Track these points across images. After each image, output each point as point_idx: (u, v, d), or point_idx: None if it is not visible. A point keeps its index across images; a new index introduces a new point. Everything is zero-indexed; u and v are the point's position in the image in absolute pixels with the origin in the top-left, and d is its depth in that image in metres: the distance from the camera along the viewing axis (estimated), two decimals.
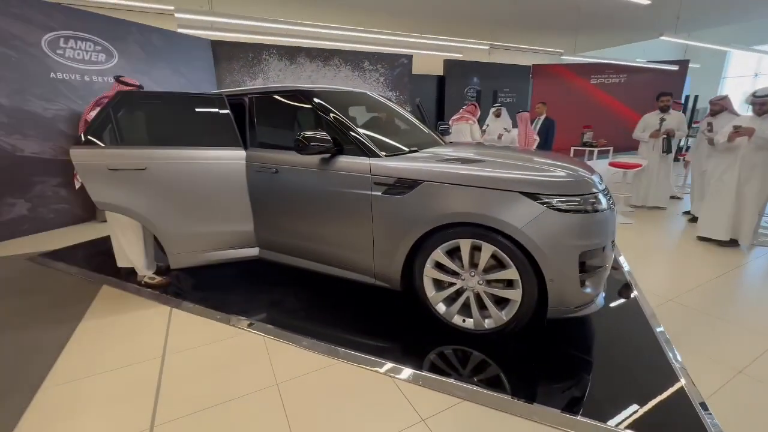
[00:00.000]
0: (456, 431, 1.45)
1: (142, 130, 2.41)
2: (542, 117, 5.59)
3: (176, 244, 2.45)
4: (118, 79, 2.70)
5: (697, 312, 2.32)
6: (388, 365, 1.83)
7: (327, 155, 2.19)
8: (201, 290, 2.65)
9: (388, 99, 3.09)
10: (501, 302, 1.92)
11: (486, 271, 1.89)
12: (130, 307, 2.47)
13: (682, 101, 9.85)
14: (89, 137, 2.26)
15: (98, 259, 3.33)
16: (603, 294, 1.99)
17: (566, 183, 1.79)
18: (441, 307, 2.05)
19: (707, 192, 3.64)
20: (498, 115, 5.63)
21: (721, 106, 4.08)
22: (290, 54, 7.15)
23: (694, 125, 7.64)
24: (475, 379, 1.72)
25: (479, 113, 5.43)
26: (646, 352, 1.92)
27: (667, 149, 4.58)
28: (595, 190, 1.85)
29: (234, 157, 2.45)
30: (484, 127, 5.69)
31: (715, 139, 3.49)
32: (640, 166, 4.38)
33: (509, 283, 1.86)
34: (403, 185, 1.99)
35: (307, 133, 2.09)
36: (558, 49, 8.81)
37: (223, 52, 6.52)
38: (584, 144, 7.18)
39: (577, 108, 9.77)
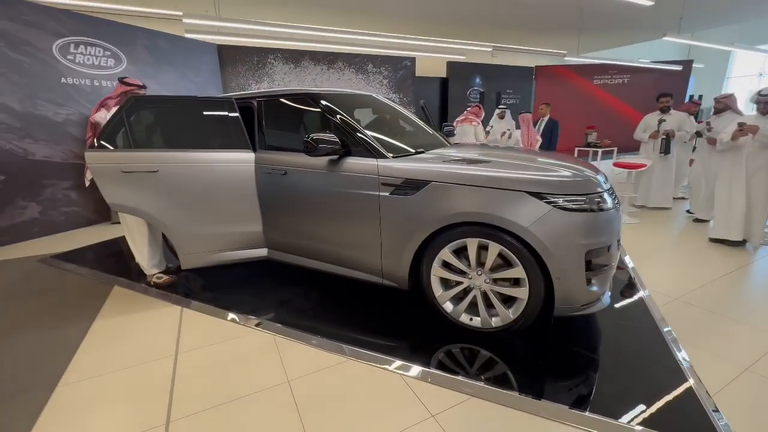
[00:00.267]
0: (465, 427, 1.48)
1: (153, 134, 2.46)
2: (546, 118, 5.61)
3: (187, 244, 2.49)
4: (121, 80, 2.77)
5: (703, 310, 2.33)
6: (398, 363, 1.86)
7: (335, 157, 2.22)
8: (211, 290, 2.69)
9: (392, 101, 3.13)
10: (508, 301, 1.95)
11: (493, 269, 1.91)
12: (142, 307, 2.51)
13: (687, 101, 9.83)
14: (102, 141, 2.31)
15: (109, 260, 3.39)
16: (609, 293, 2.01)
17: (572, 182, 1.81)
18: (448, 306, 2.07)
19: (716, 193, 3.62)
20: (502, 116, 5.66)
21: (724, 105, 4.07)
22: (295, 57, 7.22)
23: (698, 125, 7.60)
24: (483, 377, 1.75)
25: (483, 115, 5.45)
26: (652, 350, 1.93)
27: (665, 150, 4.59)
28: (600, 190, 1.87)
29: (243, 159, 2.50)
30: (487, 129, 5.72)
31: (718, 138, 3.49)
32: (644, 166, 4.39)
33: (516, 282, 1.89)
34: (411, 186, 2.02)
35: (316, 136, 2.13)
36: (561, 50, 8.83)
37: (229, 56, 6.60)
38: (588, 144, 7.18)
39: (580, 109, 9.78)
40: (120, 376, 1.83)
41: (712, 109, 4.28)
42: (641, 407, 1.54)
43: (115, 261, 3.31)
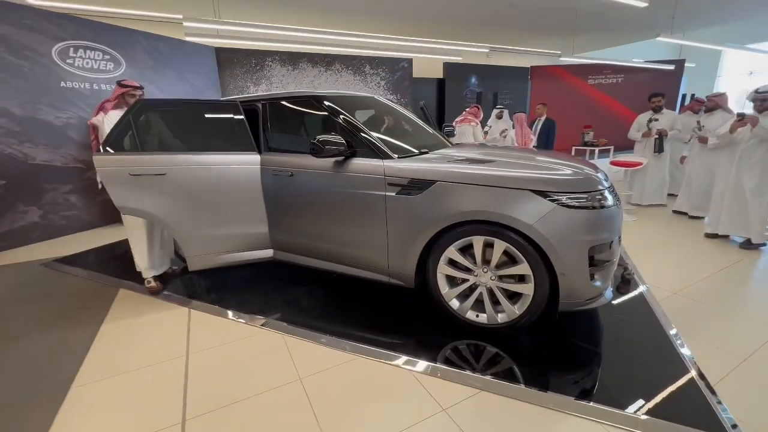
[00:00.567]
0: (476, 419, 1.52)
1: (160, 137, 2.48)
2: (543, 118, 5.69)
3: (194, 246, 2.51)
4: (119, 83, 2.79)
5: (701, 304, 2.39)
6: (407, 360, 1.90)
7: (341, 158, 2.26)
8: (218, 291, 2.71)
9: (393, 102, 3.17)
10: (513, 297, 1.99)
11: (498, 267, 1.95)
12: (149, 309, 2.53)
13: (680, 100, 9.98)
14: (107, 145, 2.33)
15: (113, 263, 3.39)
16: (611, 288, 2.06)
17: (574, 181, 1.86)
18: (455, 303, 2.11)
19: (713, 189, 3.67)
20: (500, 116, 5.73)
21: (715, 104, 4.13)
22: (293, 60, 7.24)
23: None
24: (491, 371, 1.79)
25: (482, 115, 5.52)
26: (653, 343, 1.99)
27: (658, 149, 4.67)
28: (601, 187, 1.92)
29: (249, 161, 2.53)
30: (486, 129, 5.78)
31: (716, 132, 3.54)
32: (641, 164, 4.47)
33: (521, 278, 1.93)
34: (417, 185, 2.06)
35: (322, 137, 2.16)
36: (556, 50, 8.93)
37: (227, 59, 6.61)
38: (585, 144, 7.27)
39: (575, 108, 9.88)
40: (133, 377, 1.85)
41: (703, 108, 4.36)
42: (645, 398, 1.59)
43: (119, 264, 3.32)
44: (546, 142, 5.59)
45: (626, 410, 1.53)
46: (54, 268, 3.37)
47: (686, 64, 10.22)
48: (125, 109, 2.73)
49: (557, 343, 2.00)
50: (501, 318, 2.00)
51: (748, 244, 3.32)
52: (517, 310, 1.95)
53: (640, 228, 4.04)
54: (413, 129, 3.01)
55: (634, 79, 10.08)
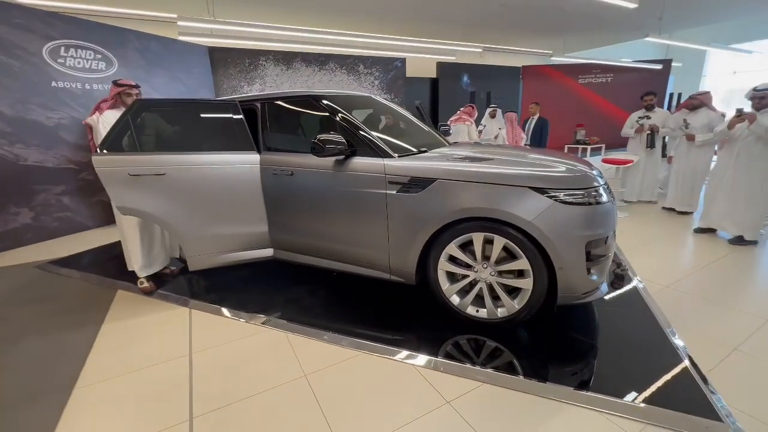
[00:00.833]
0: (480, 411, 1.56)
1: (159, 137, 2.47)
2: (536, 117, 5.77)
3: (194, 246, 2.51)
4: (115, 82, 2.76)
5: (692, 296, 2.47)
6: (410, 355, 1.93)
7: (342, 157, 2.28)
8: (218, 291, 2.72)
9: (390, 102, 3.19)
10: (512, 292, 2.04)
11: (498, 262, 2.00)
12: (150, 309, 2.52)
13: (667, 99, 10.19)
14: (105, 146, 2.31)
15: (108, 264, 3.36)
16: (606, 282, 2.12)
17: (571, 178, 1.92)
18: (455, 299, 2.15)
19: (708, 185, 3.71)
20: (493, 115, 5.80)
21: (700, 102, 4.23)
22: (286, 59, 7.22)
23: None
24: (493, 365, 1.83)
25: (476, 114, 5.58)
26: (648, 334, 2.05)
27: (650, 144, 4.79)
28: (596, 184, 1.97)
29: (248, 160, 2.53)
30: (480, 128, 5.84)
31: (715, 130, 3.59)
32: (631, 161, 4.57)
33: (520, 273, 1.98)
34: (417, 184, 2.09)
35: (323, 136, 2.18)
36: (547, 50, 9.06)
37: (220, 59, 6.57)
38: (577, 142, 7.39)
39: (566, 107, 10.03)
40: (137, 377, 1.85)
41: (689, 106, 4.45)
42: (641, 387, 1.65)
43: (115, 265, 3.28)
44: (539, 140, 5.68)
45: (624, 399, 1.58)
46: (49, 270, 3.32)
47: (673, 64, 10.43)
48: (122, 108, 2.71)
49: (555, 336, 2.06)
50: (501, 312, 2.05)
51: (738, 241, 3.39)
52: (516, 304, 2.00)
53: (632, 224, 4.13)
54: (411, 128, 3.05)
55: (623, 78, 10.27)
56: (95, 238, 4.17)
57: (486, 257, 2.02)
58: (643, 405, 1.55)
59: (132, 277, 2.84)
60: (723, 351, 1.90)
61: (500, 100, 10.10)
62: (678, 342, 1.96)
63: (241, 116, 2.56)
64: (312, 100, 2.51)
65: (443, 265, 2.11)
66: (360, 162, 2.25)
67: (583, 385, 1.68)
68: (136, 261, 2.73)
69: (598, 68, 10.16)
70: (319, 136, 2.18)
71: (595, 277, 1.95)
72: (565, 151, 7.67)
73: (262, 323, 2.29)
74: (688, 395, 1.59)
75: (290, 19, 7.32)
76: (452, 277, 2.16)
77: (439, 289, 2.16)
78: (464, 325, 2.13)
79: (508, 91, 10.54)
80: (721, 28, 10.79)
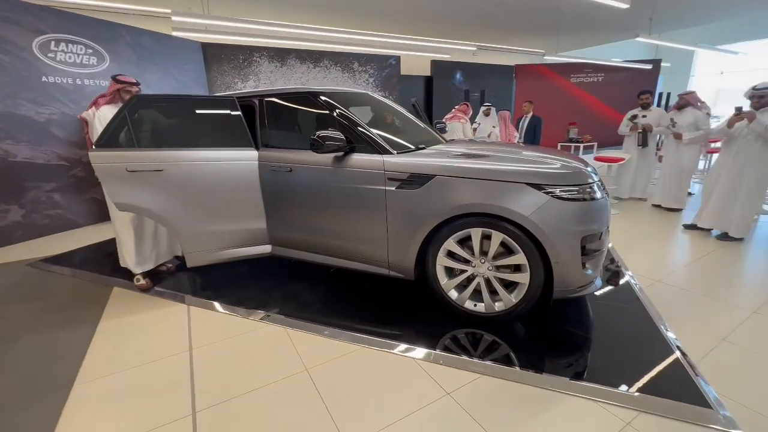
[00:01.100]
0: (479, 402, 1.59)
1: (157, 133, 2.45)
2: (529, 115, 5.83)
3: (192, 243, 2.50)
4: (115, 78, 2.72)
5: (682, 290, 2.54)
6: (410, 348, 1.96)
7: (341, 153, 2.29)
8: (217, 288, 2.71)
9: (388, 99, 3.21)
10: (509, 286, 2.08)
11: (495, 257, 2.03)
12: (147, 306, 2.51)
13: (656, 98, 10.36)
14: (101, 142, 2.29)
15: (102, 262, 3.33)
16: (600, 276, 2.17)
17: (567, 174, 1.96)
18: (453, 294, 2.18)
19: (704, 184, 3.73)
20: (487, 114, 5.85)
21: (686, 101, 4.32)
22: (281, 56, 7.18)
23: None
24: (491, 357, 1.87)
25: (471, 112, 5.62)
26: (639, 327, 2.11)
27: (642, 143, 4.88)
28: (591, 181, 2.02)
29: (246, 157, 2.53)
30: (474, 126, 5.89)
31: (713, 128, 3.64)
32: (622, 160, 4.65)
33: (517, 268, 2.02)
34: (416, 180, 2.12)
35: (323, 133, 2.19)
36: (540, 49, 9.14)
37: (214, 55, 6.50)
38: (570, 140, 7.48)
39: (558, 106, 10.14)
40: (137, 373, 1.85)
41: (675, 105, 4.55)
42: (634, 377, 1.70)
43: (110, 262, 3.25)
44: (532, 138, 5.75)
45: (618, 388, 1.63)
46: (41, 268, 3.28)
47: (662, 64, 10.61)
48: (119, 105, 2.68)
49: (551, 329, 2.10)
50: (498, 306, 2.09)
51: (724, 237, 3.47)
52: (513, 298, 2.04)
53: (623, 221, 4.22)
54: (408, 125, 3.06)
55: (614, 77, 10.42)
56: (88, 236, 4.12)
57: (484, 252, 2.06)
58: (636, 394, 1.60)
59: (128, 274, 2.82)
60: (712, 342, 1.96)
61: (494, 98, 10.19)
62: (669, 334, 2.02)
63: (239, 112, 2.55)
64: (310, 97, 2.52)
65: (442, 261, 2.14)
66: (359, 158, 2.27)
67: (578, 376, 1.73)
68: (129, 258, 2.71)
69: (589, 68, 10.29)
70: (318, 133, 2.19)
71: (589, 271, 2.00)
72: (558, 149, 7.76)
73: (262, 319, 2.30)
74: (679, 384, 1.65)
75: (285, 16, 7.28)
76: (450, 272, 2.19)
77: (438, 284, 2.19)
78: (462, 320, 2.16)
79: (502, 89, 10.63)
80: (708, 29, 11.02)
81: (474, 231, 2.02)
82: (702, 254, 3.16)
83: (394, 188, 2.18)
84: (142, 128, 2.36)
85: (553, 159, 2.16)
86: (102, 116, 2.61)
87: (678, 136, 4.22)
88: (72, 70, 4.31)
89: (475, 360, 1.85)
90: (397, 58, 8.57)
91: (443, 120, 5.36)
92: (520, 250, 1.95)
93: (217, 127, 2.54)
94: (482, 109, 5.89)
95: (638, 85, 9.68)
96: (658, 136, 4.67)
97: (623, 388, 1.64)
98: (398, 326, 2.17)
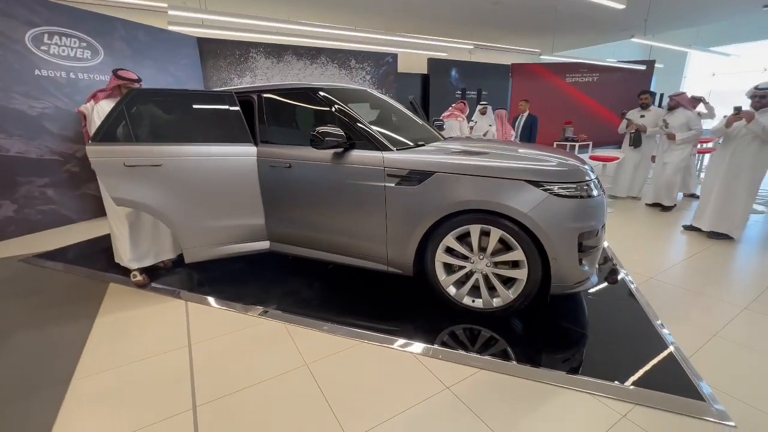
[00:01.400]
0: (478, 395, 1.62)
1: (154, 127, 2.43)
2: (525, 114, 5.87)
3: (190, 238, 2.49)
4: (115, 73, 2.69)
5: (675, 287, 2.58)
6: (409, 343, 1.97)
7: (340, 150, 2.30)
8: (215, 284, 2.70)
9: (387, 96, 3.21)
10: (507, 282, 2.10)
11: (494, 253, 2.06)
12: (144, 302, 2.49)
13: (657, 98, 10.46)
14: (99, 136, 2.27)
15: (97, 258, 3.30)
16: (596, 272, 2.20)
17: (565, 171, 1.98)
18: (452, 290, 2.20)
19: (702, 184, 3.73)
20: (483, 112, 5.88)
21: (677, 102, 4.38)
22: (277, 52, 7.13)
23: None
24: (489, 352, 1.89)
25: (468, 110, 5.65)
26: (634, 322, 2.15)
27: (634, 143, 4.93)
28: (588, 178, 2.05)
29: (245, 152, 2.52)
30: (471, 124, 5.92)
31: (711, 128, 3.65)
32: (617, 159, 4.71)
33: (515, 264, 2.04)
34: (416, 176, 2.13)
35: (322, 129, 2.19)
36: (536, 48, 9.19)
37: (210, 50, 6.44)
38: (566, 139, 7.55)
39: (554, 105, 10.22)
40: (136, 368, 1.84)
41: (666, 107, 4.61)
42: (629, 371, 1.73)
43: (105, 258, 3.22)
44: (529, 137, 5.79)
45: (614, 382, 1.66)
46: (34, 263, 3.24)
47: (655, 65, 10.73)
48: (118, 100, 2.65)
49: (548, 325, 2.13)
50: (496, 302, 2.11)
51: (716, 235, 3.53)
52: (511, 294, 2.06)
53: (617, 219, 4.27)
54: (407, 122, 3.07)
55: (608, 78, 10.52)
56: (82, 232, 4.08)
57: (482, 248, 2.08)
58: (631, 387, 1.63)
59: (124, 270, 2.81)
60: (704, 337, 2.01)
61: (490, 97, 10.23)
62: (662, 329, 2.06)
63: (237, 108, 2.54)
64: (310, 93, 2.52)
65: (440, 257, 2.16)
66: (359, 155, 2.27)
67: (574, 370, 1.75)
68: (125, 253, 2.70)
69: (585, 67, 10.38)
70: (318, 129, 2.19)
71: (586, 268, 2.03)
72: (554, 147, 7.82)
73: (260, 315, 2.30)
74: (673, 378, 1.69)
75: (282, 12, 7.23)
76: (449, 269, 2.20)
77: (437, 281, 2.21)
78: (461, 315, 2.18)
79: (498, 88, 10.68)
80: (701, 31, 11.15)
81: (473, 227, 2.04)
82: (694, 252, 3.22)
83: (393, 185, 2.18)
84: (140, 123, 2.35)
85: (551, 156, 2.18)
86: (101, 110, 2.58)
87: (671, 137, 4.28)
88: (65, 64, 4.25)
89: (474, 355, 1.87)
90: (395, 56, 8.56)
91: (441, 117, 5.38)
92: (519, 247, 1.97)
93: (215, 123, 2.53)
94: (478, 107, 5.91)
95: (632, 86, 9.79)
96: (658, 136, 4.71)
97: (619, 381, 1.67)
98: (397, 322, 2.19)
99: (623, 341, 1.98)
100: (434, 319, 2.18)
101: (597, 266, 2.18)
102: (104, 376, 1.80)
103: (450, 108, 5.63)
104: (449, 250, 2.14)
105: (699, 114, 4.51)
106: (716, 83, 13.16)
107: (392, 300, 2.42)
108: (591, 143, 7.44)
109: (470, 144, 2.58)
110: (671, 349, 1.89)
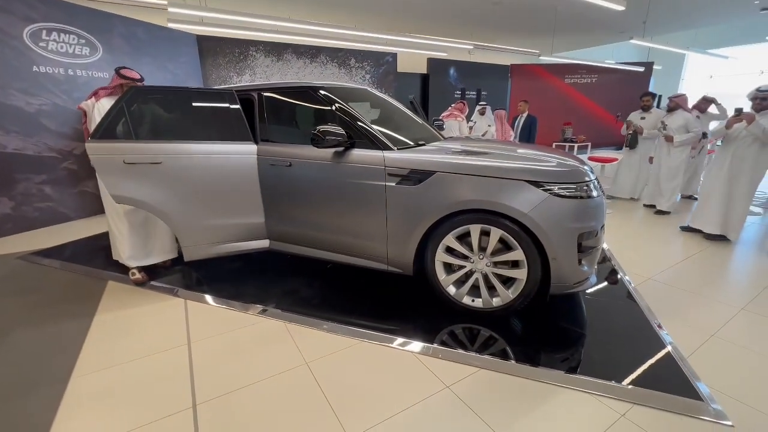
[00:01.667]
0: (478, 394, 1.62)
1: (155, 125, 2.42)
2: (524, 114, 5.89)
3: (190, 236, 2.48)
4: (118, 71, 2.67)
5: (673, 287, 2.60)
6: (409, 342, 1.98)
7: (341, 148, 2.30)
8: (214, 282, 2.70)
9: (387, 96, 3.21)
10: (507, 282, 2.11)
11: (494, 253, 2.06)
12: (143, 301, 2.49)
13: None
14: (99, 134, 2.26)
15: (96, 256, 3.29)
16: (595, 272, 2.22)
17: (565, 172, 1.99)
18: (451, 289, 2.21)
19: (701, 185, 3.73)
20: (482, 113, 5.89)
21: (676, 104, 4.39)
22: (277, 50, 7.12)
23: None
24: (488, 351, 1.90)
25: (467, 110, 5.66)
26: (632, 322, 2.16)
27: (630, 144, 4.95)
28: (588, 179, 2.06)
29: (245, 151, 2.52)
30: (470, 124, 5.93)
31: (712, 130, 3.66)
32: (615, 160, 4.73)
33: (515, 264, 2.05)
34: (417, 176, 2.13)
35: (323, 128, 2.19)
36: (535, 49, 9.21)
37: (209, 48, 6.43)
38: (565, 140, 7.57)
39: (552, 106, 10.25)
40: (135, 366, 1.84)
41: (666, 108, 4.63)
42: (627, 370, 1.74)
43: (102, 256, 3.21)
44: (528, 137, 5.80)
45: (612, 382, 1.67)
46: (32, 261, 3.23)
47: (654, 67, 10.78)
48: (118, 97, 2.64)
49: (546, 325, 2.14)
50: (496, 302, 2.12)
51: (713, 236, 3.54)
52: (511, 294, 2.07)
53: (616, 220, 4.29)
54: (407, 122, 3.07)
55: (607, 79, 10.56)
56: (80, 229, 4.06)
57: (482, 248, 2.08)
58: (630, 387, 1.64)
59: (123, 268, 2.80)
60: (702, 337, 2.02)
61: (489, 97, 10.26)
62: (660, 329, 2.07)
63: (238, 106, 2.53)
64: (310, 91, 2.51)
65: (441, 257, 2.16)
66: (359, 154, 2.27)
67: (573, 370, 1.76)
68: (123, 251, 2.69)
69: (583, 69, 10.42)
70: (319, 128, 2.18)
71: (585, 268, 2.04)
72: (553, 148, 7.85)
73: (260, 313, 2.29)
74: (671, 378, 1.70)
75: (282, 10, 7.21)
76: (449, 268, 2.21)
77: (437, 280, 2.21)
78: (460, 315, 2.19)
79: (497, 88, 10.70)
80: (700, 33, 11.21)
81: (473, 227, 2.05)
82: (692, 253, 3.24)
83: (394, 184, 2.19)
84: (140, 120, 2.34)
85: (551, 157, 2.19)
86: (101, 108, 2.58)
87: (669, 139, 4.30)
88: (64, 60, 4.23)
89: (474, 354, 1.88)
90: (394, 56, 8.57)
91: (440, 117, 5.38)
92: (518, 247, 1.98)
93: (215, 121, 2.52)
94: (477, 108, 5.92)
95: (630, 87, 9.84)
96: (657, 138, 4.73)
97: (617, 381, 1.68)
98: (397, 321, 2.19)
99: (622, 341, 1.99)
100: (434, 319, 2.19)
101: (596, 266, 2.19)
102: (103, 374, 1.79)
103: (449, 108, 5.64)
104: (449, 250, 2.15)
105: (711, 115, 4.47)
106: (713, 85, 13.23)
107: (392, 299, 2.43)
108: (590, 144, 7.46)
109: (471, 144, 2.59)
110: (669, 349, 1.90)
